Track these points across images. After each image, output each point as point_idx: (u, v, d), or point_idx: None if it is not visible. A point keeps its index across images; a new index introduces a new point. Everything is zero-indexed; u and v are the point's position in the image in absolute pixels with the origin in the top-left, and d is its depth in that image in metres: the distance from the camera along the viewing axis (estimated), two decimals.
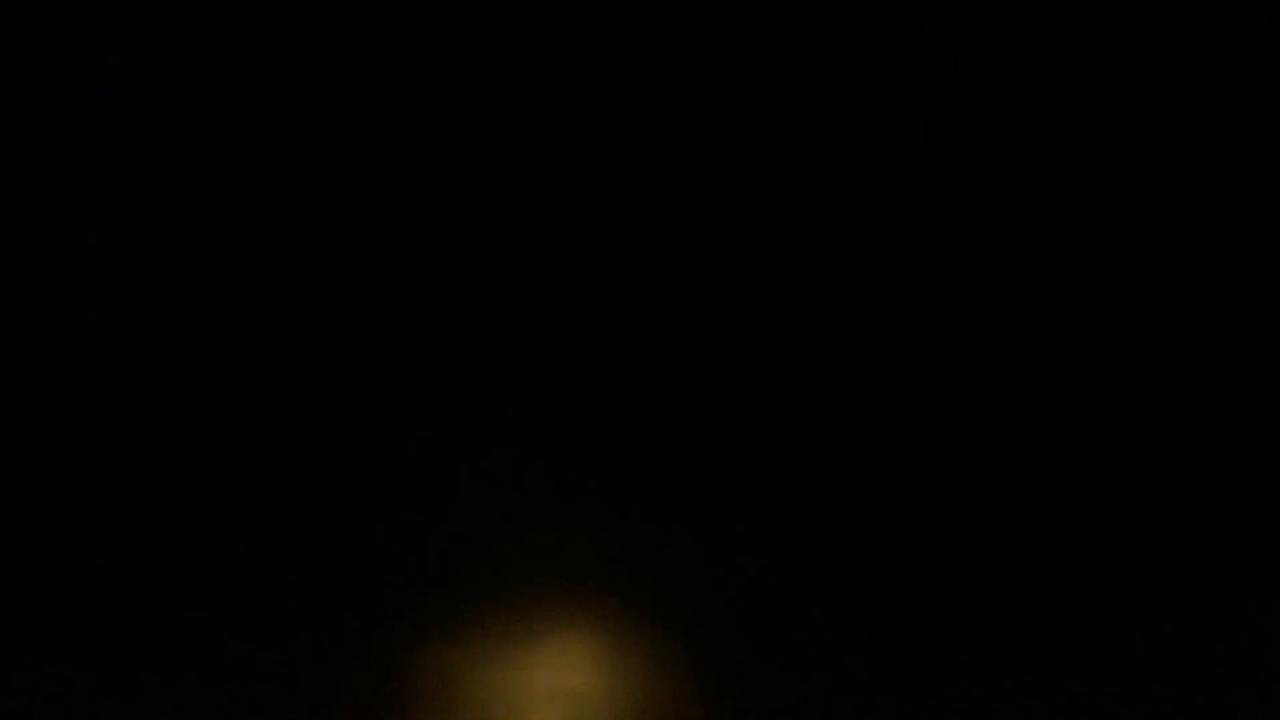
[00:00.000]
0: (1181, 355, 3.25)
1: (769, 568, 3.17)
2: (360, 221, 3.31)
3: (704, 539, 3.18)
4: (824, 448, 3.25)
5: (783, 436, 3.25)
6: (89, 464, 3.18)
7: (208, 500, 3.18)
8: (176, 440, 3.20)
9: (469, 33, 3.33)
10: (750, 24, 3.32)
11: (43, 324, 3.26)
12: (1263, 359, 3.24)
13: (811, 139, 3.33)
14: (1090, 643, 3.10)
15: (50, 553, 3.13)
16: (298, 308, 3.27)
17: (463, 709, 2.93)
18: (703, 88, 3.32)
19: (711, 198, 3.32)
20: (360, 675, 2.97)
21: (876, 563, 3.17)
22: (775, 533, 3.20)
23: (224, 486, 3.18)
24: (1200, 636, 3.09)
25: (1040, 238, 3.30)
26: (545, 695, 2.98)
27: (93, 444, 3.19)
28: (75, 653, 3.02)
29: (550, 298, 3.29)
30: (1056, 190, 3.31)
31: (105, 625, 3.07)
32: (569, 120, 3.33)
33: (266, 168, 3.31)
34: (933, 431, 3.25)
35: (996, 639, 3.09)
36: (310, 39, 3.32)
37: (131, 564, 3.12)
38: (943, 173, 3.32)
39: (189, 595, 3.10)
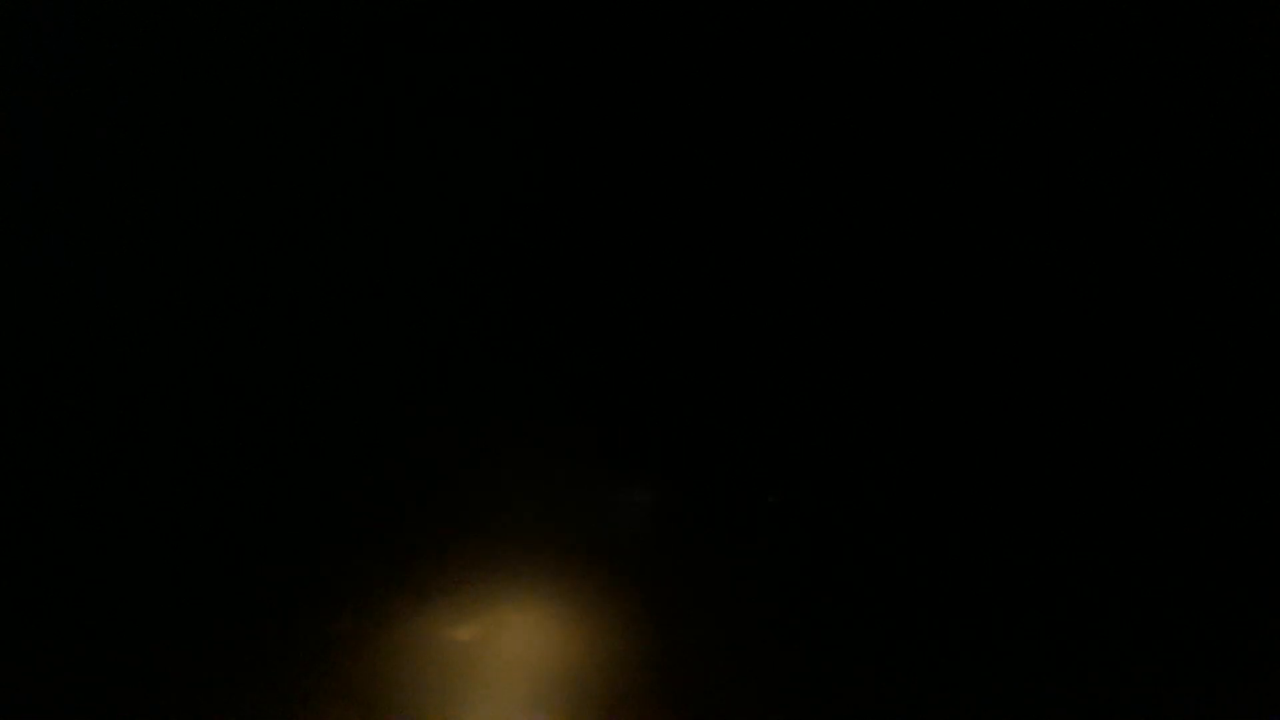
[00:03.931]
0: (1181, 355, 3.26)
1: (731, 535, 3.18)
2: (358, 212, 3.32)
3: (670, 505, 3.19)
4: (809, 433, 3.26)
5: (766, 422, 3.25)
6: (66, 445, 3.19)
7: (185, 487, 3.19)
8: (160, 429, 3.21)
9: (466, 32, 3.35)
10: (752, 23, 3.34)
11: (42, 323, 3.27)
12: (1263, 358, 3.24)
13: (811, 137, 3.34)
14: (1089, 642, 3.11)
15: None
16: (280, 290, 3.28)
17: (419, 674, 2.94)
18: (712, 77, 3.33)
19: (720, 198, 3.33)
20: (325, 649, 2.98)
21: (851, 545, 3.18)
22: (737, 504, 3.20)
23: (206, 477, 3.19)
24: (1199, 635, 3.10)
25: (1040, 237, 3.31)
26: (503, 659, 3.00)
27: (71, 426, 3.20)
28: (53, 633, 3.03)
29: (534, 297, 3.31)
30: (1056, 190, 3.33)
31: (82, 613, 3.07)
32: (572, 115, 3.34)
33: (269, 156, 3.32)
34: (934, 429, 3.26)
35: (996, 633, 3.10)
36: (310, 39, 3.34)
37: (103, 554, 3.12)
38: (943, 173, 3.33)
39: (159, 577, 3.10)
